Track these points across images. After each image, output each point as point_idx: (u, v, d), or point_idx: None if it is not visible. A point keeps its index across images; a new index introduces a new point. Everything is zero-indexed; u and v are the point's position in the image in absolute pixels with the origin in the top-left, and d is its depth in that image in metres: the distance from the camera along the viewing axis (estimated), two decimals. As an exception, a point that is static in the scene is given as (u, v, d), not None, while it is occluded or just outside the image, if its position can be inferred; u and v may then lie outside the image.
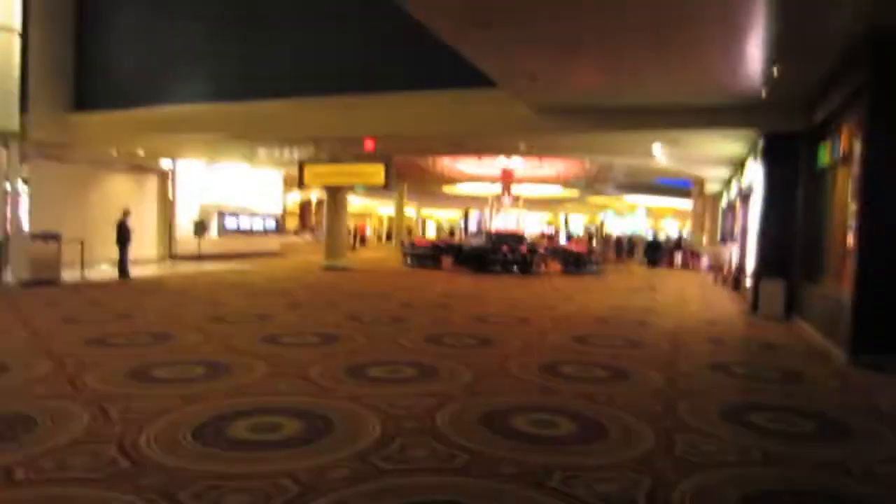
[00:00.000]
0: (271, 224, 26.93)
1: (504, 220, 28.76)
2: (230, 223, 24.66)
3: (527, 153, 20.84)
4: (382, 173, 15.81)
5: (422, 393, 5.46)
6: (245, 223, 25.41)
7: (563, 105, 12.88)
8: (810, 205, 11.74)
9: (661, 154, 16.59)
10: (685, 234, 33.32)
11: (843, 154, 9.72)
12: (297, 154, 18.14)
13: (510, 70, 10.65)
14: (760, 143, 13.01)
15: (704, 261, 26.65)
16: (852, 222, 8.93)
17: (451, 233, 36.02)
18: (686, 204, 47.64)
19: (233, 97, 16.29)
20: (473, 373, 6.30)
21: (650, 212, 53.57)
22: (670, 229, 51.33)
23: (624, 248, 29.69)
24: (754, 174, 14.69)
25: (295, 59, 15.71)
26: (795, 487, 3.79)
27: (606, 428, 4.67)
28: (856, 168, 8.70)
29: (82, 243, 15.19)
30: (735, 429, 4.81)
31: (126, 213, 15.38)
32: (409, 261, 22.30)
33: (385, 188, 16.20)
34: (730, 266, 22.63)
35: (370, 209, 56.23)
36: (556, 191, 43.61)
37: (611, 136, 14.67)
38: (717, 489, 3.68)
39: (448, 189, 44.12)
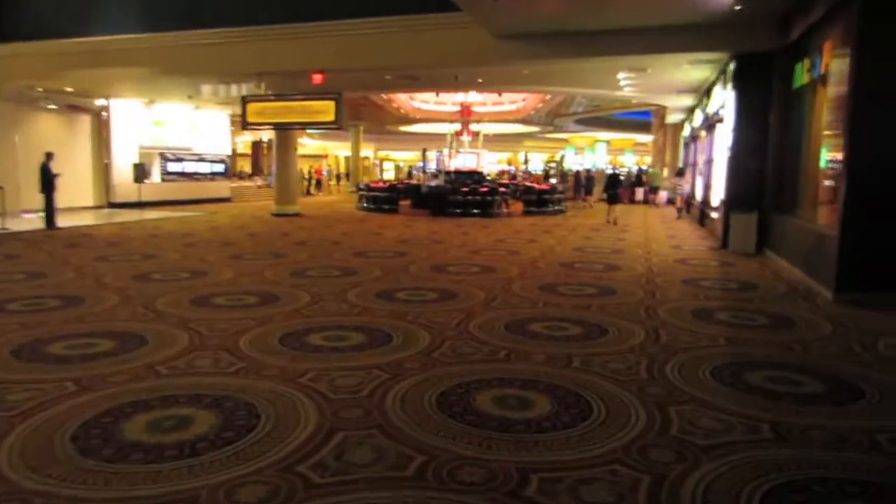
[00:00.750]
0: (219, 168, 25.43)
1: (464, 160, 27.73)
2: (174, 167, 23.16)
3: (485, 87, 19.72)
4: (332, 110, 14.56)
5: (369, 365, 4.65)
6: (190, 167, 23.90)
7: (524, 29, 11.85)
8: (784, 130, 11.10)
9: (626, 82, 15.71)
10: (646, 169, 32.76)
11: (824, 71, 9.01)
12: (244, 91, 16.74)
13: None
14: (731, 66, 12.23)
15: (663, 195, 26.20)
16: (833, 146, 8.33)
17: (410, 174, 34.84)
18: (646, 137, 47.33)
19: (165, 27, 14.77)
20: (431, 336, 5.52)
21: (609, 146, 53.08)
22: (630, 164, 50.93)
23: (582, 184, 28.99)
24: (722, 101, 13.97)
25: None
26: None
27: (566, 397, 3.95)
28: (837, 87, 8.01)
29: (2, 189, 13.83)
30: (734, 394, 4.15)
31: (49, 156, 13.92)
32: (364, 205, 21.26)
33: (335, 127, 14.99)
34: (688, 198, 22.24)
35: (326, 150, 54.44)
36: (516, 128, 42.68)
37: (574, 64, 13.69)
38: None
39: (406, 128, 42.78)
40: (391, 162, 58.11)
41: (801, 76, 10.13)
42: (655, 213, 22.44)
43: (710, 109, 16.16)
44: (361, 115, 34.93)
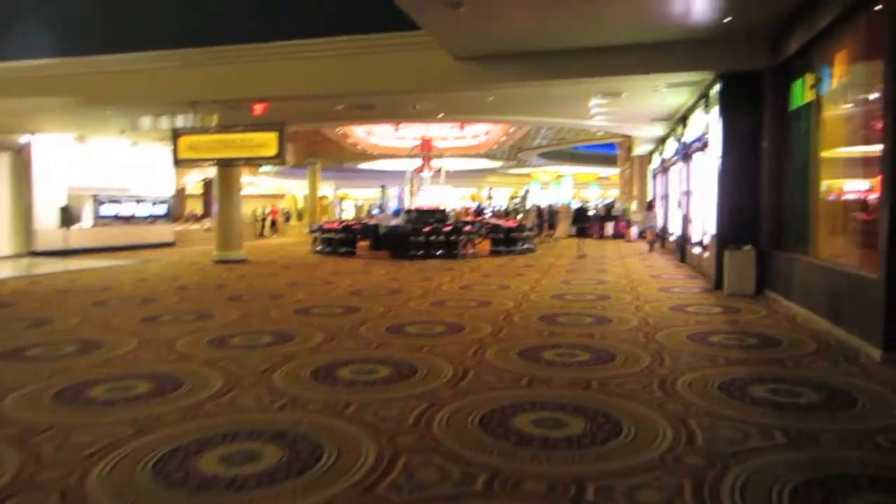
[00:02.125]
0: (161, 210, 23.46)
1: (426, 197, 26.34)
2: (108, 210, 21.14)
3: (447, 117, 18.39)
4: (275, 143, 12.92)
5: (278, 515, 3.02)
6: (128, 210, 21.90)
7: (488, 49, 10.53)
8: (781, 156, 9.89)
9: (598, 110, 14.51)
10: (616, 202, 31.85)
11: (837, 86, 7.80)
12: (194, 123, 15.04)
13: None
14: (715, 88, 11.06)
15: (634, 230, 25.20)
16: (858, 171, 7.09)
17: (371, 213, 33.34)
18: (609, 171, 46.77)
19: (85, 51, 13.03)
20: (378, 448, 3.90)
21: (574, 181, 52.59)
22: (595, 198, 50.29)
23: (545, 219, 27.83)
24: (703, 127, 12.83)
25: (162, 1, 12.62)
26: None
27: None
28: (861, 103, 6.78)
29: None
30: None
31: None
32: (319, 248, 19.56)
33: (278, 161, 13.34)
34: (659, 232, 21.25)
35: (283, 189, 52.61)
36: (479, 163, 41.65)
37: (544, 88, 12.36)
38: None
39: (365, 165, 41.38)
40: (351, 200, 56.54)
41: (801, 95, 8.96)
42: (628, 248, 21.29)
43: (688, 138, 15.06)
44: (318, 152, 33.46)
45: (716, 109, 11.15)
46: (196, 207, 46.35)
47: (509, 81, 11.27)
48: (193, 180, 42.96)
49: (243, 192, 39.01)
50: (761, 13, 8.83)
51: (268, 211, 33.72)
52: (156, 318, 8.53)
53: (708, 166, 12.61)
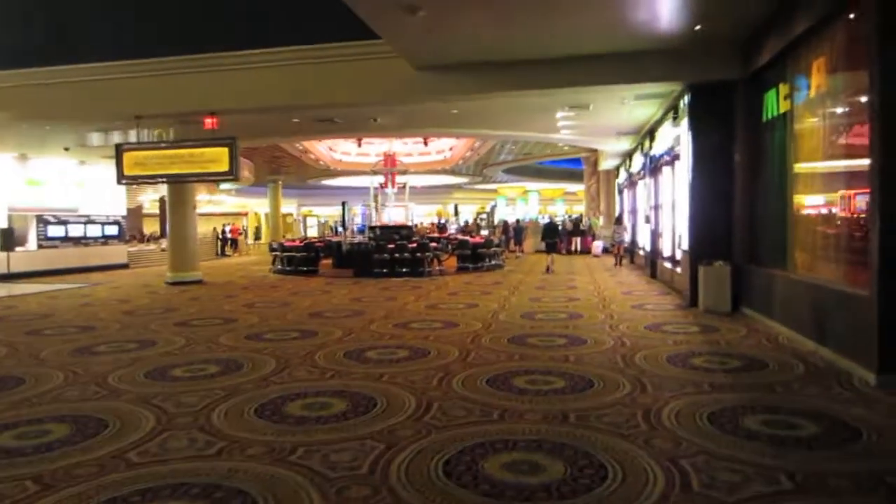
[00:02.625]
0: (113, 230, 22.45)
1: (390, 213, 25.78)
2: (55, 231, 20.10)
3: (411, 131, 17.91)
4: (226, 159, 12.20)
5: None
6: (76, 230, 20.87)
7: (451, 58, 10.09)
8: (754, 168, 9.61)
9: (565, 123, 14.18)
10: (578, 218, 31.68)
11: (814, 96, 7.52)
12: (138, 138, 14.24)
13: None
14: (685, 99, 10.77)
15: (597, 245, 25.00)
16: (841, 182, 6.79)
17: (335, 230, 32.66)
18: (575, 187, 46.81)
19: (19, 63, 12.22)
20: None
21: (540, 196, 52.62)
22: (562, 213, 50.28)
23: (511, 234, 27.48)
24: (671, 140, 12.57)
25: (103, 10, 11.90)
26: None
27: None
28: (846, 111, 6.48)
29: None
30: None
31: None
32: (279, 267, 18.81)
33: (230, 178, 12.59)
34: (626, 246, 21.05)
35: (246, 207, 51.47)
36: (444, 179, 41.25)
37: (510, 100, 11.94)
38: None
39: (329, 182, 40.62)
40: (315, 218, 55.64)
41: (775, 105, 8.67)
42: (595, 263, 21.02)
43: (656, 151, 14.81)
44: (280, 168, 32.68)
45: (685, 122, 10.86)
46: (155, 227, 44.92)
47: (473, 93, 10.83)
48: (150, 198, 41.63)
49: (203, 210, 38.07)
50: (733, 21, 8.55)
51: (225, 228, 32.68)
52: (91, 348, 7.77)
53: (678, 180, 12.35)
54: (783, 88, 8.27)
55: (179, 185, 14.99)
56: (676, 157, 12.46)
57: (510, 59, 10.11)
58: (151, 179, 13.36)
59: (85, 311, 11.26)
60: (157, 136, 13.19)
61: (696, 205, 10.54)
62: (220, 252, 31.25)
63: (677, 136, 11.83)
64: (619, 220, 22.02)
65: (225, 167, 12.24)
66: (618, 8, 8.09)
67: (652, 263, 15.70)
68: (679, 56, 9.88)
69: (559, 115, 13.56)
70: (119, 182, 12.95)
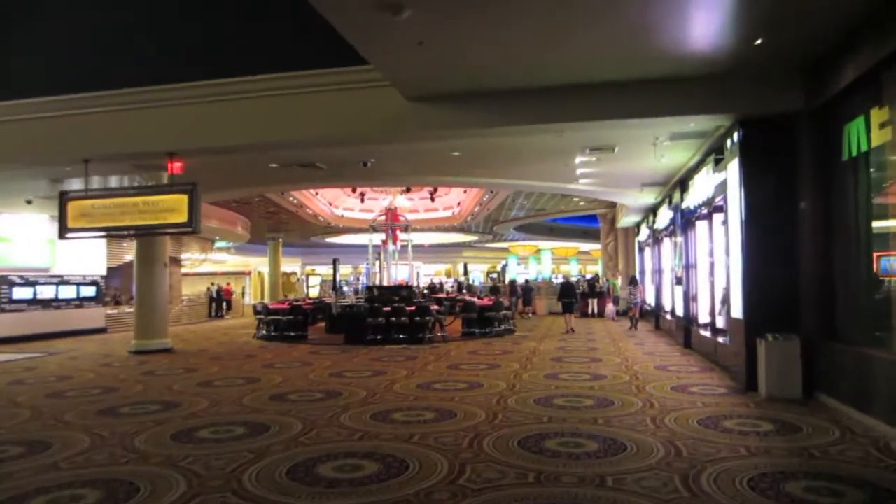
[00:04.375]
0: (90, 291, 20.65)
1: (396, 273, 23.96)
2: (22, 293, 18.31)
3: (406, 179, 16.18)
4: (184, 208, 10.37)
5: None
6: (48, 292, 19.08)
7: (446, 85, 8.36)
8: (831, 217, 7.67)
9: (584, 170, 12.38)
10: (602, 277, 29.65)
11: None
12: (122, 182, 12.56)
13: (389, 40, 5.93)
14: (734, 137, 8.92)
15: (610, 308, 23.05)
16: None
17: (335, 288, 30.82)
18: (589, 246, 44.95)
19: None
20: None
21: (553, 255, 50.88)
22: (576, 273, 48.25)
23: (519, 294, 25.51)
24: (711, 189, 10.71)
25: (49, 43, 10.38)
26: None
27: None
28: None
29: None
30: None
31: None
32: (264, 332, 16.85)
33: (189, 230, 10.69)
34: (640, 308, 19.41)
35: (248, 266, 49.88)
36: (452, 236, 39.58)
37: (520, 138, 10.16)
38: None
39: (333, 239, 39.05)
40: (317, 277, 53.97)
41: (863, 138, 6.74)
42: (614, 327, 19.04)
43: (690, 203, 12.93)
44: (279, 226, 31.18)
45: (734, 164, 8.99)
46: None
47: (473, 126, 8.98)
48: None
49: (202, 270, 36.32)
50: (806, 33, 6.74)
51: (217, 288, 30.88)
52: (-33, 451, 5.79)
53: (719, 234, 10.45)
54: (877, 114, 6.38)
55: (148, 239, 13.22)
56: (717, 208, 10.61)
57: (518, 87, 8.38)
58: (97, 232, 11.52)
59: (7, 391, 9.30)
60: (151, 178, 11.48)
61: (752, 264, 8.55)
62: (213, 313, 29.32)
63: (720, 182, 9.95)
64: (633, 282, 20.26)
65: (183, 217, 10.38)
66: (649, 15, 6.34)
67: (686, 331, 13.59)
68: (728, 82, 8.13)
69: (578, 159, 11.76)
70: (61, 236, 11.12)
